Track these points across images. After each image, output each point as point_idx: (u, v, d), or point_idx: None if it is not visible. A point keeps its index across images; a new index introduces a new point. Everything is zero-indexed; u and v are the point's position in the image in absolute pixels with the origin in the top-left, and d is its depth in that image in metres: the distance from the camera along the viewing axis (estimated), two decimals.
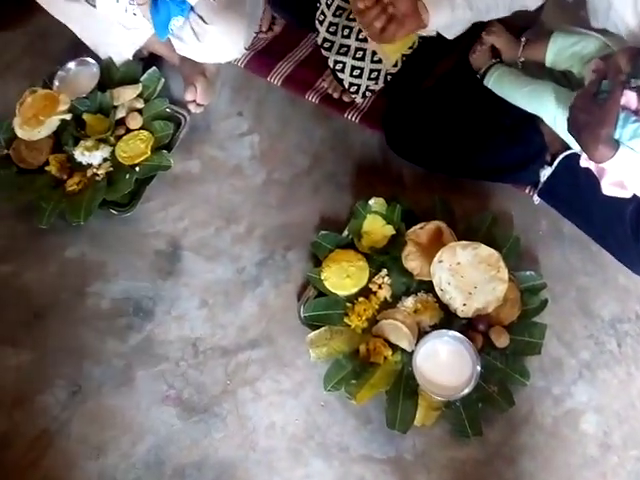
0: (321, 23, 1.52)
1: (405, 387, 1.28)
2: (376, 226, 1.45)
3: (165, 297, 1.46)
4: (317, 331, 1.35)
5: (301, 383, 1.35)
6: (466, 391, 1.25)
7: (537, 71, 1.46)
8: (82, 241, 1.54)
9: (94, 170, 1.55)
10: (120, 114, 1.62)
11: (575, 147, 1.33)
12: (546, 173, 1.43)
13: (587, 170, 1.28)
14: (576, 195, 1.40)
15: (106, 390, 1.36)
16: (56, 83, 1.67)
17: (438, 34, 1.37)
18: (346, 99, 1.64)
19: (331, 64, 1.55)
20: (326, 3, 1.51)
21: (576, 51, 1.37)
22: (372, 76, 1.56)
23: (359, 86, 1.58)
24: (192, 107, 1.67)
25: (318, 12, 1.52)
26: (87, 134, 1.59)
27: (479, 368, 1.26)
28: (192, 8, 1.52)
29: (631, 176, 1.19)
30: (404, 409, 1.26)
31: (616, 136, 1.14)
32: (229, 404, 1.34)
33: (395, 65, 1.57)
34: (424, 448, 1.28)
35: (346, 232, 1.47)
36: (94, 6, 1.51)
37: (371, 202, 1.47)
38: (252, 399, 1.34)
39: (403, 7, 1.22)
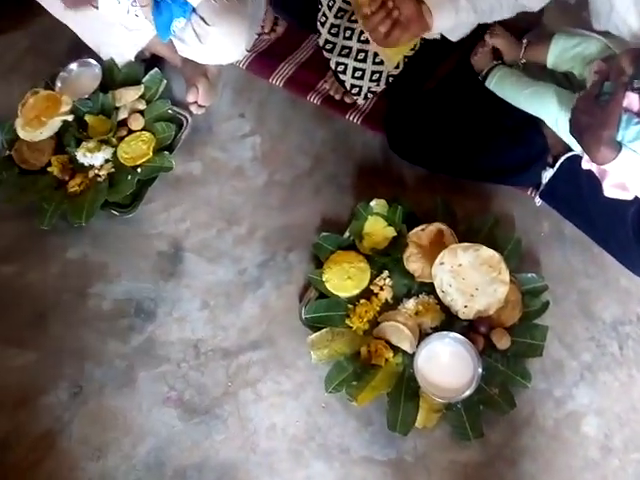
0: (323, 25, 1.53)
1: (406, 389, 1.28)
2: (377, 227, 1.45)
3: (167, 298, 1.47)
4: (318, 333, 1.35)
5: (302, 385, 1.35)
6: (467, 393, 1.25)
7: (539, 73, 1.46)
8: (84, 242, 1.54)
9: (96, 171, 1.56)
10: (122, 115, 1.62)
11: (577, 149, 1.33)
12: (548, 175, 1.43)
13: (589, 172, 1.28)
14: (578, 197, 1.40)
15: (107, 391, 1.36)
16: (58, 84, 1.67)
17: (442, 36, 1.37)
18: (348, 100, 1.64)
19: (333, 66, 1.55)
20: (328, 4, 1.51)
21: (577, 53, 1.37)
22: (374, 78, 1.57)
23: (361, 87, 1.58)
24: (194, 108, 1.67)
25: (320, 13, 1.53)
26: (89, 135, 1.59)
27: (480, 370, 1.25)
28: (194, 9, 1.52)
29: (633, 178, 1.19)
30: (405, 411, 1.26)
31: (618, 138, 1.14)
32: (230, 406, 1.34)
33: (397, 67, 1.57)
34: (425, 450, 1.27)
35: (347, 233, 1.47)
36: (96, 7, 1.52)
37: (372, 203, 1.47)
38: (253, 400, 1.34)
39: (407, 11, 1.22)
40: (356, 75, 1.55)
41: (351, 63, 1.53)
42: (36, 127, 1.58)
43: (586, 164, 1.28)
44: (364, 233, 1.45)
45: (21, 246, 1.55)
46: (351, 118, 1.64)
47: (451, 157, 1.49)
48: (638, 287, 1.43)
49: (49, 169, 1.56)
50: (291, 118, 1.69)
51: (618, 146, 1.13)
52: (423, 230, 1.43)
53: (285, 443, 1.30)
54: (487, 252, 1.33)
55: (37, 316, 1.45)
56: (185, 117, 1.66)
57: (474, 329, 1.32)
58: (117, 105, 1.62)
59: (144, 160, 1.56)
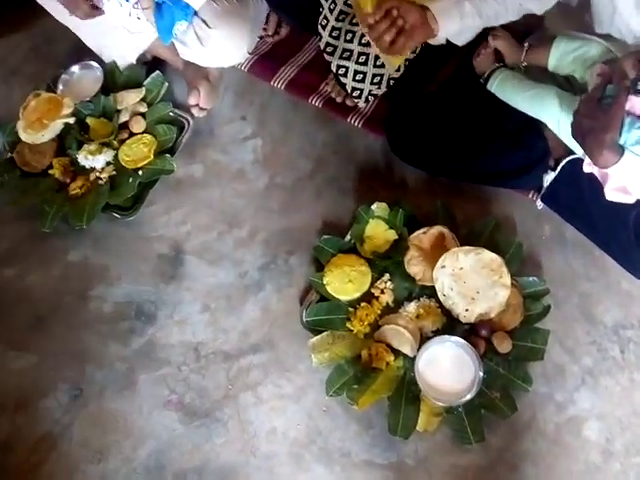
0: (324, 27, 1.53)
1: (407, 392, 1.28)
2: (378, 231, 1.45)
3: (167, 301, 1.47)
4: (319, 336, 1.35)
5: (303, 388, 1.35)
6: (468, 397, 1.24)
7: (540, 76, 1.46)
8: (85, 245, 1.54)
9: (97, 174, 1.56)
10: (123, 118, 1.62)
11: (578, 152, 1.33)
12: (549, 178, 1.43)
13: (590, 175, 1.27)
14: (579, 200, 1.39)
15: (108, 394, 1.37)
16: (60, 87, 1.68)
17: (447, 40, 1.38)
18: (349, 103, 1.65)
19: (334, 68, 1.55)
20: (329, 7, 1.51)
21: (578, 56, 1.37)
22: (375, 81, 1.56)
23: (362, 90, 1.58)
24: (195, 111, 1.67)
25: (321, 16, 1.53)
26: (90, 138, 1.60)
27: (481, 374, 1.25)
28: (196, 12, 1.53)
29: (635, 181, 1.19)
30: (406, 415, 1.26)
31: (621, 141, 1.14)
32: (230, 409, 1.34)
33: (398, 70, 1.57)
34: (426, 454, 1.27)
35: (348, 237, 1.47)
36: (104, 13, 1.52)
37: (373, 207, 1.47)
38: (254, 404, 1.34)
39: (412, 19, 1.23)
40: (357, 78, 1.55)
41: (352, 66, 1.53)
42: (38, 129, 1.58)
43: (588, 167, 1.27)
44: (365, 236, 1.45)
45: (22, 248, 1.55)
46: (352, 121, 1.64)
47: (452, 160, 1.49)
48: (639, 290, 1.42)
49: (50, 172, 1.57)
50: (292, 121, 1.69)
51: (620, 149, 1.13)
52: (424, 233, 1.42)
53: (286, 447, 1.30)
54: (488, 255, 1.33)
55: (38, 319, 1.46)
56: (186, 120, 1.66)
57: (475, 333, 1.32)
58: (118, 108, 1.63)
59: (145, 163, 1.56)
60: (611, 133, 1.12)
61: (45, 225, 1.51)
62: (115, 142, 1.59)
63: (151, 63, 1.74)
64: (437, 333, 1.33)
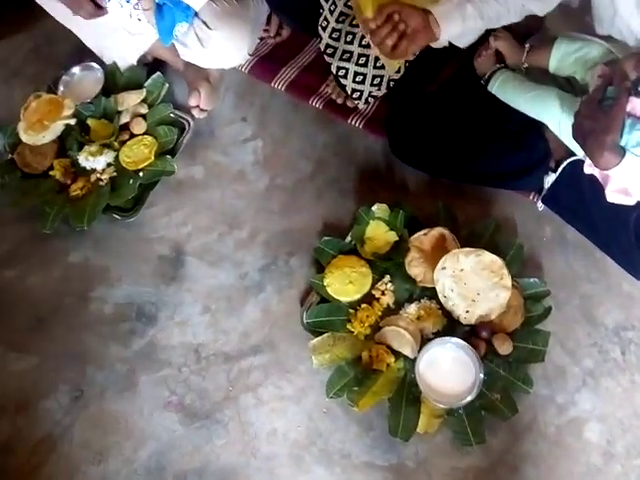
0: (324, 29, 1.53)
1: (407, 394, 1.28)
2: (379, 232, 1.45)
3: (168, 302, 1.47)
4: (320, 337, 1.35)
5: (303, 389, 1.35)
6: (469, 399, 1.24)
7: (541, 77, 1.46)
8: (86, 246, 1.54)
9: (98, 175, 1.56)
10: (124, 119, 1.62)
11: (579, 153, 1.33)
12: (550, 179, 1.43)
13: (591, 177, 1.27)
14: (580, 202, 1.39)
15: (109, 395, 1.37)
16: (61, 88, 1.68)
17: (449, 42, 1.38)
18: (350, 104, 1.64)
19: (334, 70, 1.55)
20: (329, 9, 1.51)
21: (579, 57, 1.37)
22: (375, 82, 1.56)
23: (362, 92, 1.58)
24: (196, 112, 1.67)
25: (321, 18, 1.52)
26: (91, 139, 1.60)
27: (482, 375, 1.25)
28: (196, 14, 1.53)
29: (636, 183, 1.19)
30: (406, 416, 1.25)
31: (622, 143, 1.14)
32: (231, 410, 1.34)
33: (398, 71, 1.57)
34: (426, 456, 1.27)
35: (349, 238, 1.47)
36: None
37: (374, 208, 1.47)
38: (254, 405, 1.34)
39: (413, 23, 1.23)
40: (357, 79, 1.55)
41: (352, 67, 1.53)
42: (38, 131, 1.58)
43: (589, 169, 1.27)
44: (366, 238, 1.45)
45: (23, 250, 1.55)
46: (353, 122, 1.64)
47: (453, 161, 1.49)
48: None
49: (51, 173, 1.57)
50: (293, 122, 1.69)
51: (621, 151, 1.13)
52: (425, 235, 1.42)
53: (286, 448, 1.30)
54: (489, 257, 1.33)
55: (39, 320, 1.46)
56: (187, 121, 1.66)
57: (476, 334, 1.32)
58: (119, 109, 1.63)
59: (146, 164, 1.56)
60: (612, 135, 1.12)
61: (46, 226, 1.51)
62: (116, 143, 1.59)
63: (152, 64, 1.74)
64: (438, 335, 1.33)
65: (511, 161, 1.45)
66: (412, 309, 1.35)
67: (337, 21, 1.52)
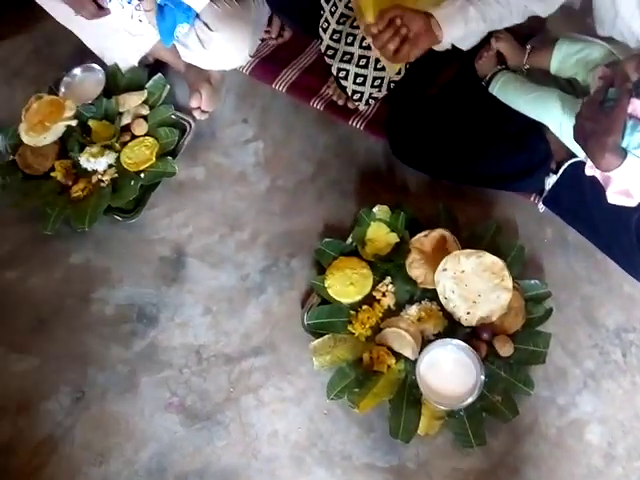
0: (325, 30, 1.53)
1: (408, 396, 1.28)
2: (380, 234, 1.45)
3: (169, 304, 1.47)
4: (321, 339, 1.35)
5: (304, 391, 1.35)
6: (470, 400, 1.24)
7: (542, 78, 1.46)
8: (87, 247, 1.54)
9: (99, 176, 1.56)
10: (125, 120, 1.62)
11: (580, 155, 1.32)
12: (551, 181, 1.43)
13: (592, 178, 1.27)
14: (581, 203, 1.39)
15: (110, 396, 1.37)
16: (62, 89, 1.68)
17: (453, 45, 1.38)
18: (351, 106, 1.65)
19: (334, 72, 1.55)
20: (330, 10, 1.51)
21: (581, 58, 1.36)
22: (375, 84, 1.56)
23: (362, 94, 1.58)
24: (197, 114, 1.67)
25: (322, 19, 1.52)
26: (92, 140, 1.60)
27: (483, 377, 1.25)
28: (197, 15, 1.53)
29: (637, 185, 1.18)
30: (407, 418, 1.25)
31: (623, 144, 1.13)
32: (232, 412, 1.34)
33: (398, 73, 1.57)
34: (427, 457, 1.27)
35: (350, 239, 1.47)
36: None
37: (375, 209, 1.47)
38: (255, 407, 1.34)
39: (416, 27, 1.22)
40: (358, 81, 1.55)
41: (353, 69, 1.53)
42: (40, 132, 1.59)
43: (590, 170, 1.27)
44: (367, 239, 1.45)
45: (24, 251, 1.55)
46: (354, 124, 1.64)
47: (454, 163, 1.49)
48: None
49: (52, 174, 1.57)
50: (294, 124, 1.70)
51: (623, 153, 1.13)
52: (426, 236, 1.42)
53: (287, 449, 1.30)
54: (490, 258, 1.33)
55: (40, 321, 1.46)
56: (188, 122, 1.66)
57: (477, 336, 1.32)
58: (120, 110, 1.63)
59: (147, 165, 1.56)
60: (613, 136, 1.11)
61: (47, 227, 1.51)
62: (117, 145, 1.59)
63: (153, 66, 1.74)
64: (438, 336, 1.33)
65: (512, 163, 1.45)
66: (413, 311, 1.35)
67: (338, 23, 1.52)
